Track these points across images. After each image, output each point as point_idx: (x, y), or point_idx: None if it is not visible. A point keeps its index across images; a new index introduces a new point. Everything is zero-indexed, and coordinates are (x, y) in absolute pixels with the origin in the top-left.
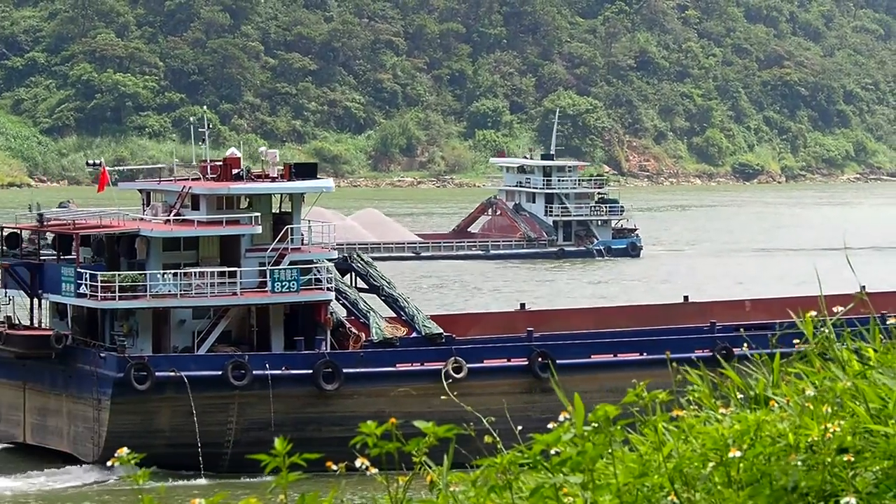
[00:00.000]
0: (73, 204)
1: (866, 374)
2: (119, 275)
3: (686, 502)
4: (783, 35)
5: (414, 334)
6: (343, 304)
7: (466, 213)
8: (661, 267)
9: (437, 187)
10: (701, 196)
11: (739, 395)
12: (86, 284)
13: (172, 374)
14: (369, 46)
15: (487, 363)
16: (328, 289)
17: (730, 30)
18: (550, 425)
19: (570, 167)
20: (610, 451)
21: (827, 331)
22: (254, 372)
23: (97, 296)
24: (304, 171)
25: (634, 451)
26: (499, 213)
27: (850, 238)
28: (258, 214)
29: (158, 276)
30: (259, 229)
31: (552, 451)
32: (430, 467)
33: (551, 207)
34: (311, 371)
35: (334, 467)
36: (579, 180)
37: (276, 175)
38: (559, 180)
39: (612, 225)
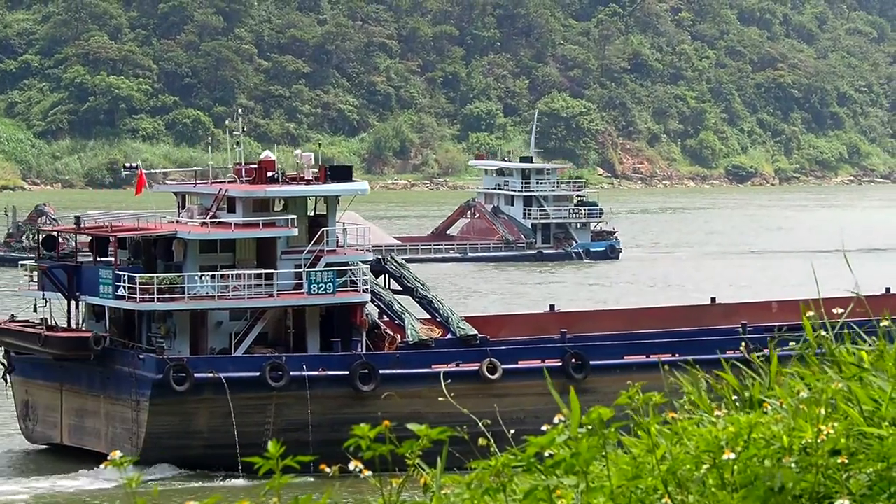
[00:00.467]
0: (48, 207)
1: (861, 376)
2: (157, 277)
3: None
4: (776, 37)
5: (449, 336)
6: (377, 306)
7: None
8: (640, 269)
9: (430, 190)
10: (694, 198)
11: (734, 398)
12: (124, 286)
13: (211, 375)
14: (363, 49)
15: (522, 364)
16: (364, 290)
17: (723, 32)
18: (544, 427)
19: (548, 170)
20: (604, 453)
21: (827, 333)
22: (291, 373)
23: (135, 297)
24: (340, 173)
25: (628, 454)
26: (477, 215)
27: (844, 240)
28: (294, 217)
29: (196, 278)
30: (295, 231)
31: (546, 454)
32: (423, 470)
33: (530, 210)
34: (347, 372)
35: (328, 470)
36: (558, 183)
37: (311, 177)
38: (538, 183)
39: (591, 227)
